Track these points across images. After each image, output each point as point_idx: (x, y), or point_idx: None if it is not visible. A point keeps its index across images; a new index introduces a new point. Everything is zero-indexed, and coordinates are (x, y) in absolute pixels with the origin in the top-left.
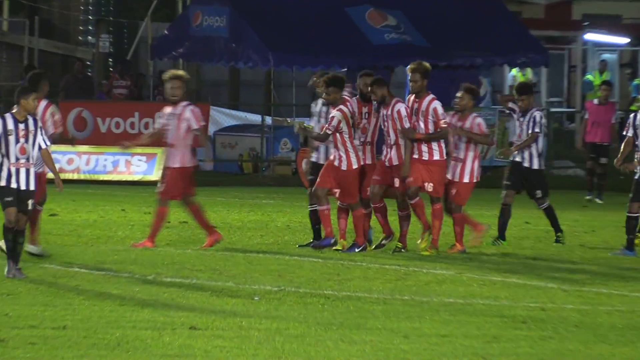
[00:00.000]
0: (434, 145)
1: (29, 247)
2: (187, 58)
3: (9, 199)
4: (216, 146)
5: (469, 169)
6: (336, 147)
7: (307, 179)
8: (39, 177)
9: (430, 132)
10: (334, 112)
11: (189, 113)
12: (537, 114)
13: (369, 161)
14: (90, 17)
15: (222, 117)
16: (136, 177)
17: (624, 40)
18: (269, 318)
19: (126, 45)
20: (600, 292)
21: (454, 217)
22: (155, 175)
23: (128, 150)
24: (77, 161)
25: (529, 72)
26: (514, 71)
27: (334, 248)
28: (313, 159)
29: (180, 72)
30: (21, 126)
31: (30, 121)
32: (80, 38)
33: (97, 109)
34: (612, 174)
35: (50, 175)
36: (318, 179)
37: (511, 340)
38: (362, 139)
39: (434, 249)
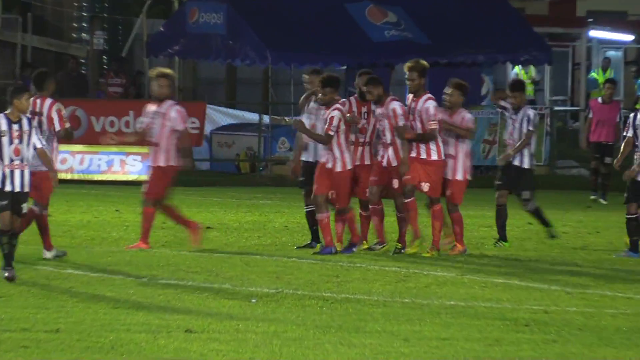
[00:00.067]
0: (432, 145)
1: (46, 254)
2: (184, 55)
3: (4, 202)
4: (213, 145)
5: (461, 166)
6: (331, 147)
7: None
8: (43, 179)
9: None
10: (332, 112)
11: (174, 113)
12: (531, 112)
13: (367, 161)
14: (84, 13)
15: (219, 115)
16: (131, 177)
17: (629, 37)
18: (267, 321)
19: (121, 42)
20: (604, 295)
21: (453, 217)
22: None
23: (114, 143)
24: (70, 161)
25: (532, 69)
26: (517, 69)
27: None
28: (303, 159)
29: (168, 71)
30: (15, 127)
31: (24, 121)
32: (74, 35)
33: (91, 107)
34: (617, 174)
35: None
36: (315, 186)
37: (513, 344)
38: (361, 139)
39: (435, 251)
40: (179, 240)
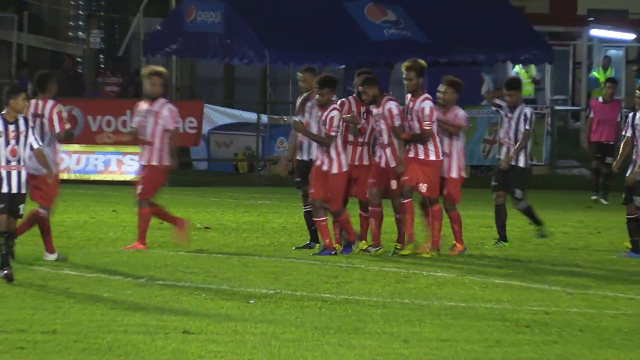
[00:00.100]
0: (430, 146)
1: (48, 257)
2: (181, 54)
3: (1, 205)
4: (210, 145)
5: (455, 164)
6: (327, 149)
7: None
8: (46, 183)
9: None
10: (332, 113)
11: (166, 112)
12: (528, 111)
13: (366, 162)
14: (80, 12)
15: (217, 115)
16: (128, 177)
17: (630, 36)
18: (265, 322)
19: (118, 41)
20: (605, 295)
21: (451, 216)
22: None
23: (110, 142)
24: (67, 160)
25: (532, 68)
26: (518, 68)
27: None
28: (298, 158)
29: (160, 69)
30: (11, 127)
31: (21, 121)
32: (70, 34)
33: (87, 106)
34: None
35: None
36: (310, 189)
37: (514, 345)
38: (360, 139)
39: (435, 251)
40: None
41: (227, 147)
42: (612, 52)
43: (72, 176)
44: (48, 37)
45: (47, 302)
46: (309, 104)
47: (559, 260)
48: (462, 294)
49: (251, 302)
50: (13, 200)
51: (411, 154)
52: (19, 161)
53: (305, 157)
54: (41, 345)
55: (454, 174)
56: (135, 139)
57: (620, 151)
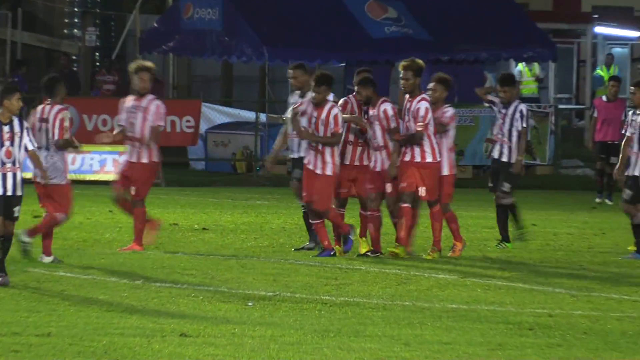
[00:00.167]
0: (426, 147)
1: (44, 259)
2: (178, 52)
3: None
4: (208, 144)
5: (446, 161)
6: (322, 151)
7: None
8: (62, 188)
9: None
10: (334, 110)
11: (154, 108)
12: (523, 108)
13: (365, 162)
14: (75, 9)
15: (215, 114)
16: None
17: (635, 33)
18: (264, 325)
19: (114, 38)
20: (610, 298)
21: (445, 216)
22: None
23: (108, 141)
24: None
25: (536, 66)
26: (521, 66)
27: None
28: (292, 155)
29: (149, 64)
30: (5, 128)
31: (15, 122)
32: (65, 31)
33: (83, 105)
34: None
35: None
36: (304, 193)
37: (517, 348)
38: (360, 139)
39: (436, 252)
40: (174, 242)
41: (225, 146)
42: (617, 50)
43: (68, 176)
44: (43, 35)
45: (42, 304)
46: (298, 100)
47: (563, 261)
48: (464, 296)
49: (249, 304)
50: (8, 203)
51: (407, 157)
52: (14, 163)
53: (295, 155)
54: (36, 349)
55: (444, 171)
56: (124, 136)
57: (621, 154)
